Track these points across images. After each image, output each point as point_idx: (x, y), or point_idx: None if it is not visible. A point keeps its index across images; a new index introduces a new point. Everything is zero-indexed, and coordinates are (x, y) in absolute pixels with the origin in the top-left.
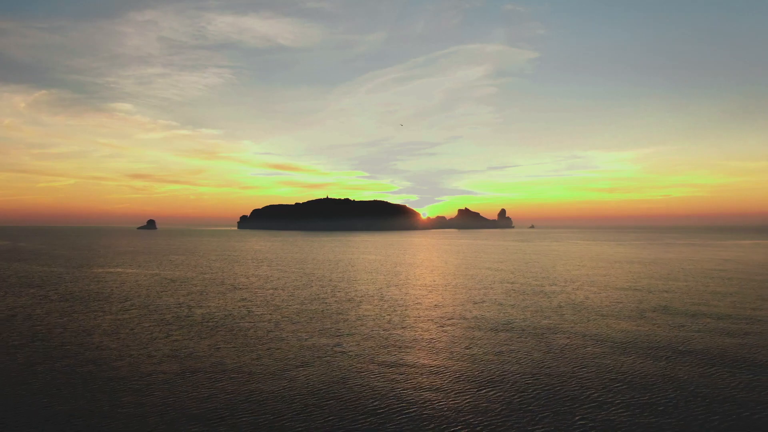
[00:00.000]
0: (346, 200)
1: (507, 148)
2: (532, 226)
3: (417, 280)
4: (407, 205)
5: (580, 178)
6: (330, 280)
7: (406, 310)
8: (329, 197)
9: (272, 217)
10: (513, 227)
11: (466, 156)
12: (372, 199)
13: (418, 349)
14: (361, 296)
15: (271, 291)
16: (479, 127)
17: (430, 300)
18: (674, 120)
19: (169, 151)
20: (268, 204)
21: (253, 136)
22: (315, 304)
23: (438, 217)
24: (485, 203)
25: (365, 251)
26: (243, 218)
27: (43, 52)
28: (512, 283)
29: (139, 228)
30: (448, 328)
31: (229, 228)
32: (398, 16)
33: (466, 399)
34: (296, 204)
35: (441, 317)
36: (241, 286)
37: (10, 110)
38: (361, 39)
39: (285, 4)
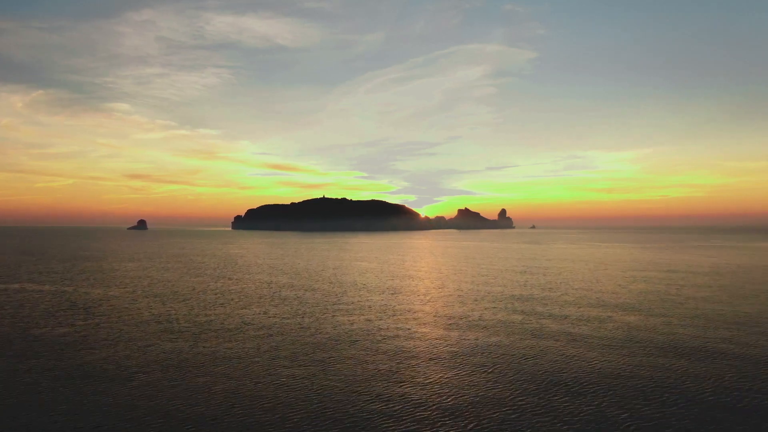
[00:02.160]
0: (343, 200)
1: (506, 148)
2: (533, 227)
3: (425, 304)
4: (406, 205)
5: (579, 179)
6: (301, 304)
7: (414, 369)
8: (326, 197)
9: (267, 218)
10: (514, 227)
11: (465, 156)
12: (370, 199)
13: None
14: (340, 339)
15: (202, 326)
16: (478, 127)
17: (453, 352)
18: (673, 120)
19: (167, 151)
20: (264, 204)
21: (252, 137)
22: (262, 353)
23: (437, 217)
24: (484, 203)
25: (359, 256)
26: (237, 218)
27: (41, 51)
28: (563, 304)
29: (129, 228)
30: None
31: (223, 228)
32: (398, 16)
33: None
34: (292, 204)
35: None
36: (163, 320)
37: (8, 110)
38: (360, 39)
39: (284, 3)
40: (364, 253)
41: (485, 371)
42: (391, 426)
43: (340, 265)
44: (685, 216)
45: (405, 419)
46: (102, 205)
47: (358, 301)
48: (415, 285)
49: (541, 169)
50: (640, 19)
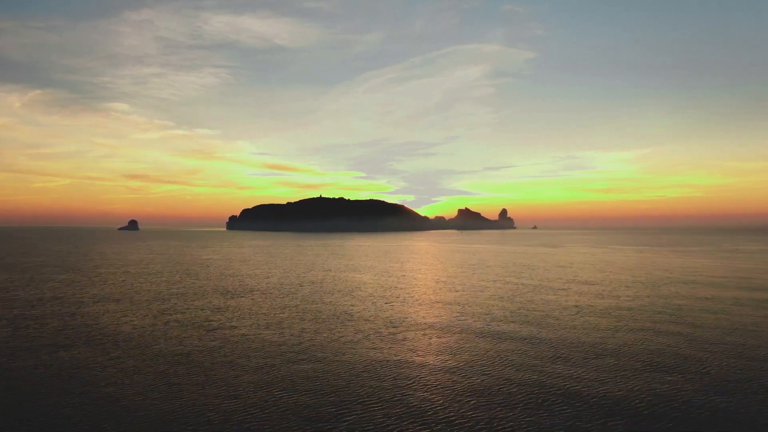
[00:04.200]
0: (341, 199)
1: (505, 148)
2: (535, 227)
3: (446, 357)
4: (405, 205)
5: (577, 179)
6: (243, 355)
7: None
8: (322, 196)
9: (263, 218)
10: (515, 228)
11: (464, 156)
12: (368, 199)
13: None
14: None
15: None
16: (477, 128)
17: None
18: (672, 120)
19: (166, 151)
20: (260, 204)
21: (250, 137)
22: None
23: (437, 217)
24: (483, 203)
25: (351, 264)
26: (232, 218)
27: (38, 51)
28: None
29: (120, 229)
30: None
31: (218, 229)
32: (397, 16)
33: None
34: (288, 203)
35: None
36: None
37: (5, 110)
38: (359, 39)
39: (282, 3)
40: (357, 260)
41: None
42: None
43: (324, 278)
44: (684, 216)
45: None
46: (100, 205)
47: (335, 351)
48: (424, 318)
49: (539, 169)
50: (639, 20)
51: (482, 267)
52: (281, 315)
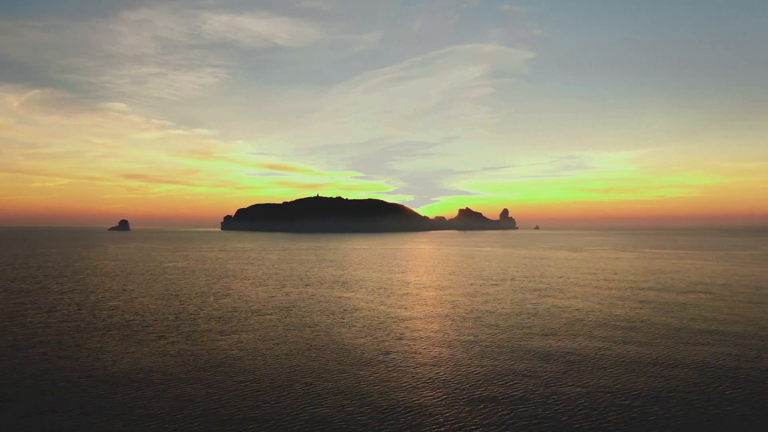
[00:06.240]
0: (338, 198)
1: (503, 148)
2: (537, 227)
3: None
4: (404, 205)
5: (575, 179)
6: None
7: None
8: (320, 195)
9: (259, 217)
10: (517, 228)
11: (462, 156)
12: (367, 198)
13: None
14: None
15: None
16: (475, 128)
17: None
18: (670, 121)
19: (164, 151)
20: (256, 203)
21: (248, 136)
22: None
23: (437, 218)
24: (481, 203)
25: (341, 275)
26: (227, 218)
27: (36, 51)
28: None
29: (110, 229)
30: None
31: (212, 229)
32: (395, 15)
33: None
34: (284, 203)
35: None
36: None
37: (4, 110)
38: (357, 39)
39: (281, 3)
40: (350, 269)
41: None
42: None
43: (298, 299)
44: (682, 216)
45: None
46: (99, 205)
47: None
48: (443, 386)
49: (538, 169)
50: (638, 20)
51: (506, 280)
52: (197, 386)
